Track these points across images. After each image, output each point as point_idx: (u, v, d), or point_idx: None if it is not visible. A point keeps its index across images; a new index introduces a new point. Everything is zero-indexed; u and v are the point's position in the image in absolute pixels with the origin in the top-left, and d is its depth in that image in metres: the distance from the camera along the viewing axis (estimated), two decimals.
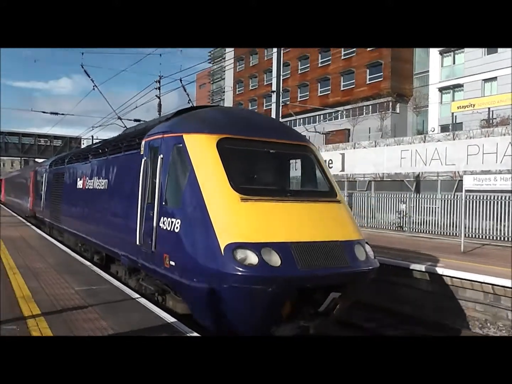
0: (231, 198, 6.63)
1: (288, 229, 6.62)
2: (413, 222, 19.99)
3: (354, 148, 26.73)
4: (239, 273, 6.02)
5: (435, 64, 37.59)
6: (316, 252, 6.49)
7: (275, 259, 6.17)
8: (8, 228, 18.04)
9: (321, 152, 28.88)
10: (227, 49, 65.31)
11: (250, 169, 7.57)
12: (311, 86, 50.47)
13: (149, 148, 8.43)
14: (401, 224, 20.52)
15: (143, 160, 8.46)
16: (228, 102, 68.43)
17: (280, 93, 19.63)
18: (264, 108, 53.54)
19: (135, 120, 25.12)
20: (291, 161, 8.49)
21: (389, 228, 20.96)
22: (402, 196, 20.96)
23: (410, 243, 16.14)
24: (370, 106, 43.03)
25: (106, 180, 10.88)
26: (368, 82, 44.03)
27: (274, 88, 19.44)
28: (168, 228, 7.22)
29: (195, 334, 5.97)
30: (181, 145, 7.38)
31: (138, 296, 7.75)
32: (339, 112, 39.53)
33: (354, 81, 45.35)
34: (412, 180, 22.74)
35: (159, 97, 23.85)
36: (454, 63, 36.57)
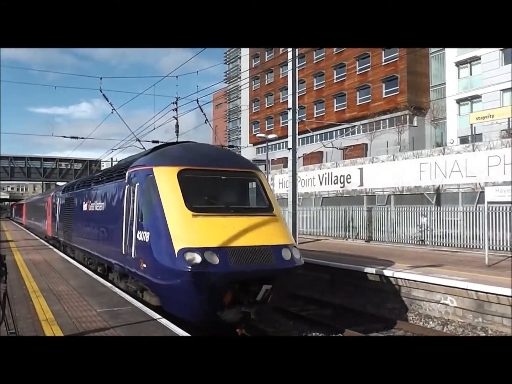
0: (185, 215, 8.54)
1: (227, 237, 8.40)
2: (434, 236, 19.65)
3: (372, 163, 26.55)
4: (188, 270, 7.86)
5: (451, 76, 37.32)
6: (247, 253, 8.30)
7: (214, 259, 7.99)
8: (31, 252, 18.33)
9: (339, 167, 28.92)
10: (243, 68, 66.12)
11: (202, 192, 9.30)
12: (327, 102, 50.54)
13: (130, 177, 10.43)
14: (423, 238, 20.21)
15: (126, 187, 10.56)
16: (245, 120, 68.92)
17: (296, 110, 19.71)
18: (281, 126, 53.79)
19: (153, 142, 25.28)
20: (241, 183, 10.13)
21: (410, 242, 20.66)
22: (423, 209, 20.66)
23: (433, 257, 15.90)
24: (387, 120, 42.79)
25: (103, 203, 12.92)
26: (384, 96, 43.87)
27: (290, 105, 19.54)
28: (142, 239, 9.16)
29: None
30: (151, 175, 9.31)
31: (160, 316, 7.81)
32: (356, 127, 39.40)
33: (370, 95, 45.22)
34: (432, 193, 22.44)
35: (176, 118, 24.05)
36: (471, 74, 36.24)
